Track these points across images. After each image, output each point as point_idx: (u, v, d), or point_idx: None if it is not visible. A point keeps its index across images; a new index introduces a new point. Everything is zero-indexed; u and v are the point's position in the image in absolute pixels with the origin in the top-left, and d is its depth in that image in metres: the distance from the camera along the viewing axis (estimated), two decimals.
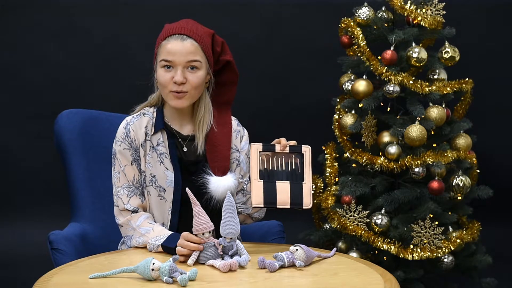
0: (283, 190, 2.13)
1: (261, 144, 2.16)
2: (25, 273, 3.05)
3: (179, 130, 2.31)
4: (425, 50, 3.07)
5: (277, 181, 2.14)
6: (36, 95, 3.76)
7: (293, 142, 2.21)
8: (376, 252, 3.11)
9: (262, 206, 2.12)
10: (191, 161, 2.29)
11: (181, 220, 2.25)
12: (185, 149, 2.30)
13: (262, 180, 2.13)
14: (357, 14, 3.19)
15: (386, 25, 3.17)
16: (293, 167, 2.15)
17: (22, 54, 3.75)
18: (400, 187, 3.09)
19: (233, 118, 2.41)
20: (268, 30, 3.75)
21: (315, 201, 3.19)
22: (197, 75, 2.22)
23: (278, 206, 2.09)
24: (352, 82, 3.17)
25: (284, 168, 2.15)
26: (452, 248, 3.00)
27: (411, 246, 2.97)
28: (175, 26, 2.24)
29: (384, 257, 3.08)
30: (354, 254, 3.05)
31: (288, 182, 2.14)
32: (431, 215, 2.96)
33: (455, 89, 3.11)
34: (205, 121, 2.30)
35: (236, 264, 1.95)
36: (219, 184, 2.21)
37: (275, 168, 2.15)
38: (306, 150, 2.17)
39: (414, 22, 3.10)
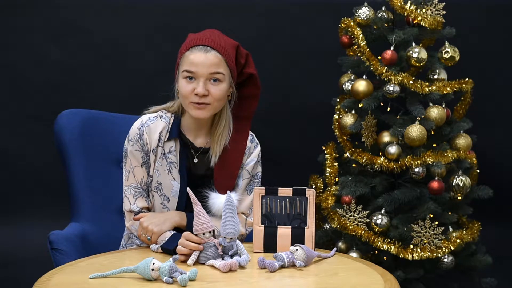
0: (284, 235, 2.13)
1: (264, 188, 2.14)
2: (25, 273, 3.05)
3: (193, 141, 2.28)
4: (425, 50, 3.07)
5: (278, 226, 2.13)
6: (36, 95, 3.75)
7: None
8: (376, 252, 3.11)
9: (263, 251, 2.13)
10: (199, 175, 2.27)
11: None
12: (195, 160, 2.27)
13: (263, 226, 2.14)
14: (357, 14, 3.19)
15: (386, 25, 3.17)
16: (297, 211, 2.14)
17: (22, 54, 3.75)
18: (400, 187, 3.09)
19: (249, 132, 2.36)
20: (268, 30, 3.75)
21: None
22: (220, 87, 2.19)
23: (278, 252, 2.06)
24: (352, 82, 3.16)
25: (288, 212, 2.14)
26: (452, 248, 3.00)
27: (411, 246, 2.97)
28: (199, 36, 2.20)
29: (384, 257, 3.07)
30: (354, 254, 3.05)
31: (290, 227, 2.13)
32: (431, 215, 2.96)
33: (455, 89, 3.11)
34: (224, 134, 2.27)
35: (236, 264, 1.95)
36: (217, 202, 2.17)
37: (278, 212, 2.14)
38: (310, 193, 2.13)
39: (414, 22, 3.09)
